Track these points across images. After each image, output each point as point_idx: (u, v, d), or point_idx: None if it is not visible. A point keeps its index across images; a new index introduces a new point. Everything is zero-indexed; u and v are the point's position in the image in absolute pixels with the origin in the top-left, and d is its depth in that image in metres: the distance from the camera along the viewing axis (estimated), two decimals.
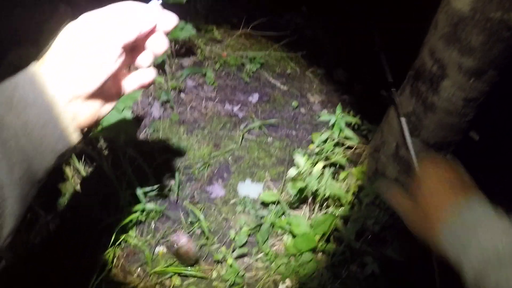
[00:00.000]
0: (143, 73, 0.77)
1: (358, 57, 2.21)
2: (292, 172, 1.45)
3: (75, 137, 0.64)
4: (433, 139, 1.40)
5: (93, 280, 1.49)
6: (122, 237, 1.60)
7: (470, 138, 1.46)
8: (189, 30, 1.77)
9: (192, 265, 1.55)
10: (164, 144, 1.84)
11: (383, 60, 1.56)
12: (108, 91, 0.71)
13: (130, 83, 0.77)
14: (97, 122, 0.70)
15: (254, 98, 2.05)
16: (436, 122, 1.35)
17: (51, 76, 0.61)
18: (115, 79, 0.73)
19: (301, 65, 2.19)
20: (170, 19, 0.72)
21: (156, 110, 1.89)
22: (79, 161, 1.64)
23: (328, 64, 2.21)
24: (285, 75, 2.15)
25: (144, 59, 0.74)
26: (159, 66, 1.92)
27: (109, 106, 0.72)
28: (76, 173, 1.66)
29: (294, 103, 2.04)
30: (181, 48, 2.08)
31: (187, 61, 2.09)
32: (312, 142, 1.90)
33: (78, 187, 1.64)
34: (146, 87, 0.80)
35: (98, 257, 1.56)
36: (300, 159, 1.43)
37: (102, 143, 1.65)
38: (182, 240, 1.44)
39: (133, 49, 0.73)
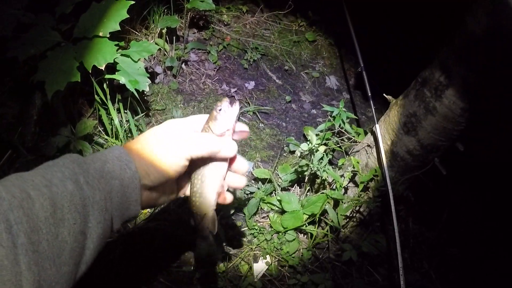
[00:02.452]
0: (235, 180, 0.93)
1: (351, 70, 2.36)
2: (304, 146, 1.50)
3: (138, 209, 0.78)
4: (427, 140, 1.51)
5: None
6: None
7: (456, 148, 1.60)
8: (209, 4, 1.81)
9: None
10: (161, 108, 1.84)
11: (365, 78, 1.71)
12: (169, 188, 0.87)
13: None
14: (152, 206, 0.86)
15: (251, 85, 2.10)
16: (433, 125, 1.47)
17: (134, 159, 0.75)
18: (177, 180, 0.88)
19: (298, 64, 2.29)
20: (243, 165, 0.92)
21: (157, 75, 1.89)
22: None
23: (323, 70, 2.32)
24: (282, 71, 2.23)
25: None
26: (170, 32, 1.93)
27: (165, 199, 0.87)
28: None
29: (288, 98, 2.12)
30: (194, 20, 2.11)
31: (192, 36, 2.11)
32: (303, 135, 1.98)
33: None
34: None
35: None
36: (313, 135, 1.49)
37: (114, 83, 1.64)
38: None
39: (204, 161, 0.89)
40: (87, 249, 0.65)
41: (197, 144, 0.80)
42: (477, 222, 1.80)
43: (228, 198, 0.92)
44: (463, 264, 1.73)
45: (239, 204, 1.64)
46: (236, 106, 0.86)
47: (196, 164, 0.85)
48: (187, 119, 0.85)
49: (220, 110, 0.84)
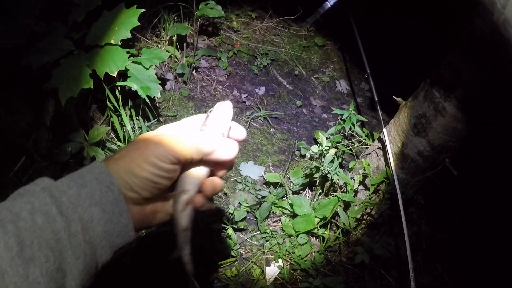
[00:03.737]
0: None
1: (360, 74, 2.36)
2: (314, 148, 1.51)
3: (132, 234, 0.66)
4: (437, 141, 1.50)
5: None
6: None
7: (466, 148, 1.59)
8: (218, 11, 1.83)
9: None
10: (173, 114, 1.86)
11: (371, 84, 1.72)
12: (161, 206, 0.73)
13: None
14: (149, 226, 0.73)
15: (261, 90, 2.12)
16: (443, 126, 1.47)
17: (117, 177, 0.64)
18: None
19: (308, 69, 2.30)
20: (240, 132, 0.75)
21: (168, 81, 1.92)
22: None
23: (333, 75, 2.33)
24: (292, 76, 2.25)
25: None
26: (180, 39, 1.96)
27: (161, 218, 0.73)
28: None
29: (298, 103, 2.13)
30: (204, 27, 2.14)
31: (202, 43, 2.14)
32: (314, 139, 1.99)
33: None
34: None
35: None
36: (324, 138, 1.50)
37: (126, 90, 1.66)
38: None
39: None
40: (68, 287, 0.57)
41: (184, 143, 0.67)
42: (485, 224, 1.79)
43: (217, 185, 0.75)
44: (476, 267, 1.71)
45: (251, 208, 1.65)
46: (229, 105, 0.77)
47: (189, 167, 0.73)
48: (180, 122, 0.73)
49: (211, 111, 0.76)
